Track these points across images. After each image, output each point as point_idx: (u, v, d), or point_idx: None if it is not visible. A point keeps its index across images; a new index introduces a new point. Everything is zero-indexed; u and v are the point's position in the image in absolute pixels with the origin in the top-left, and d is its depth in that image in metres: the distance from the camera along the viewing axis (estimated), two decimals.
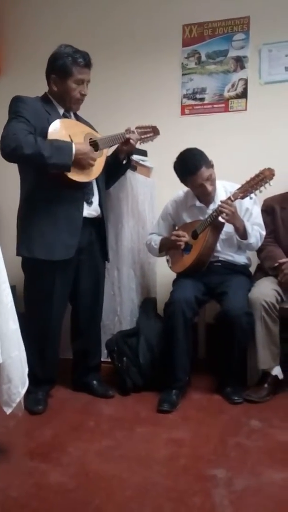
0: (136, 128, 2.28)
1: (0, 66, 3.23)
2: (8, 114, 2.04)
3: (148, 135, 2.34)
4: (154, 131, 2.36)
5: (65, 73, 2.06)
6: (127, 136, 2.20)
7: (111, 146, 2.23)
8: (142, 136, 2.31)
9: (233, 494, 1.45)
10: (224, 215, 2.18)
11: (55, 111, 2.11)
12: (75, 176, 2.01)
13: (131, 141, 2.21)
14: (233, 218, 2.22)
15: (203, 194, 2.37)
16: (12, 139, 1.91)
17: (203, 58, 2.94)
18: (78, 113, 2.24)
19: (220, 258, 2.39)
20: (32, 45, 3.14)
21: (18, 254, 2.12)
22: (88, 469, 1.60)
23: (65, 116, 2.15)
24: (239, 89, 2.88)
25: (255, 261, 2.56)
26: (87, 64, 2.09)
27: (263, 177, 2.13)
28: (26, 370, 1.64)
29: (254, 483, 1.51)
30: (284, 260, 2.33)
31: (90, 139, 2.12)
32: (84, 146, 2.03)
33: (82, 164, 2.01)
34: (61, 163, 1.94)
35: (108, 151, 2.25)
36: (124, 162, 2.33)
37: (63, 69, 2.06)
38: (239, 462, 1.64)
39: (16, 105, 2.04)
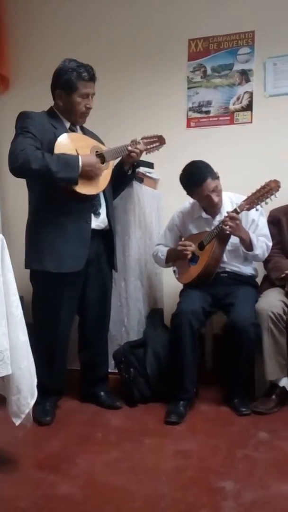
0: (142, 138, 2.30)
1: (9, 80, 3.28)
2: (15, 129, 2.08)
3: (154, 145, 2.36)
4: (160, 140, 2.38)
5: (70, 88, 2.09)
6: (130, 148, 2.22)
7: (117, 158, 2.26)
8: (148, 146, 2.32)
9: (241, 506, 1.45)
10: (228, 227, 2.20)
11: (61, 125, 2.15)
12: (82, 189, 2.03)
13: (132, 154, 2.23)
14: (238, 230, 2.23)
15: (210, 206, 2.38)
16: (20, 155, 1.95)
17: (209, 71, 2.98)
18: (85, 125, 2.28)
19: (226, 269, 2.40)
20: (39, 59, 3.19)
21: (27, 267, 2.14)
22: (96, 481, 1.61)
23: (71, 129, 2.18)
24: (245, 102, 2.92)
25: (261, 272, 2.57)
26: (92, 78, 2.13)
27: (269, 189, 2.15)
28: (35, 381, 1.65)
29: (263, 496, 1.51)
30: None
31: (96, 151, 2.14)
32: (91, 158, 2.06)
33: (89, 176, 2.04)
34: (68, 177, 1.97)
35: (114, 163, 2.27)
36: (129, 172, 2.35)
37: (68, 84, 2.09)
38: (248, 474, 1.64)
39: (23, 120, 2.07)
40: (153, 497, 1.50)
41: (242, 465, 1.71)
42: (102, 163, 2.12)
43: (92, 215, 2.14)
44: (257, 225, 2.39)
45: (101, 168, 2.08)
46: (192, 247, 2.37)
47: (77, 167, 1.98)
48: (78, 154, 2.03)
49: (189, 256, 2.37)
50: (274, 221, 2.54)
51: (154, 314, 2.70)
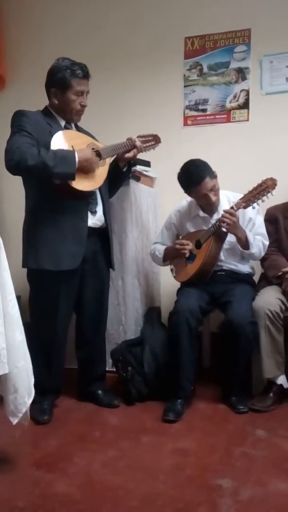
0: (138, 137, 2.30)
1: (5, 79, 3.27)
2: (11, 128, 2.08)
3: (150, 144, 2.36)
4: (156, 139, 2.38)
5: (65, 86, 2.10)
6: (137, 143, 2.23)
7: (113, 156, 2.25)
8: (144, 145, 2.33)
9: (239, 504, 1.45)
10: (225, 224, 2.20)
11: (57, 124, 2.15)
12: (79, 185, 2.03)
13: (138, 146, 2.23)
14: (235, 228, 2.23)
15: (207, 204, 2.39)
16: (16, 152, 1.95)
17: (205, 69, 2.98)
18: (79, 124, 2.28)
19: (223, 267, 2.40)
20: (35, 58, 3.18)
21: (24, 266, 2.14)
22: (94, 479, 1.60)
23: (66, 128, 2.18)
24: (241, 100, 2.92)
25: (258, 270, 2.57)
26: (86, 76, 2.13)
27: (265, 187, 2.15)
28: (32, 380, 1.65)
29: (260, 493, 1.51)
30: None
31: (93, 149, 2.14)
32: (86, 152, 2.06)
33: (86, 170, 2.04)
34: (65, 171, 1.97)
35: (110, 160, 2.27)
36: (125, 169, 2.35)
37: (62, 82, 2.10)
38: (245, 472, 1.64)
39: (18, 119, 2.08)
40: (150, 495, 1.50)
41: (239, 463, 1.71)
42: (99, 160, 2.12)
43: (89, 213, 2.14)
44: (254, 223, 2.39)
45: (97, 162, 2.08)
46: (189, 245, 2.37)
47: (73, 162, 1.97)
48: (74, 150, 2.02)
49: (187, 255, 2.37)
50: (271, 219, 2.54)
51: (152, 312, 2.70)
